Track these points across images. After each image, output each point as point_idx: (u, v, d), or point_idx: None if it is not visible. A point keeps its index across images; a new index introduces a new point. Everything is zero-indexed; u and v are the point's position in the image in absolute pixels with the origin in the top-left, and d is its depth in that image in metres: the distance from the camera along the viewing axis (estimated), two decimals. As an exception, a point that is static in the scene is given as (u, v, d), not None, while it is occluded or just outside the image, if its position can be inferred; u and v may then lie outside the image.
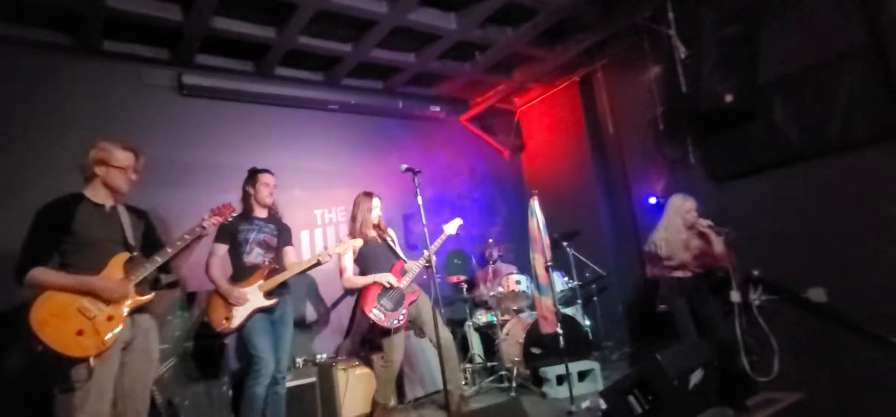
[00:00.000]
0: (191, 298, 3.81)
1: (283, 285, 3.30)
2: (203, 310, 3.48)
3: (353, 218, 3.78)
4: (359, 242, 3.62)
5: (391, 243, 3.84)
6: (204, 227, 2.65)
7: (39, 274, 2.28)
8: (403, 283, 3.64)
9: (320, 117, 5.16)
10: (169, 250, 2.54)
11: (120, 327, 2.35)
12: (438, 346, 3.17)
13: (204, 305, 3.58)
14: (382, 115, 5.56)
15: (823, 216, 3.88)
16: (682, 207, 3.93)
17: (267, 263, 3.27)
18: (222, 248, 3.25)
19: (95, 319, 2.29)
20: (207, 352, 3.67)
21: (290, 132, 4.96)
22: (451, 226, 3.88)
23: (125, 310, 2.40)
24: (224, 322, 3.09)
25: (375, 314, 3.52)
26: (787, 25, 3.96)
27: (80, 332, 2.25)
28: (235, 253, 3.26)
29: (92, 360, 2.25)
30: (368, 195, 3.82)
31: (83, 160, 2.48)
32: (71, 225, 2.36)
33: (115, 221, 2.52)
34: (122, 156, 2.50)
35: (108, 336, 2.31)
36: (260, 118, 4.81)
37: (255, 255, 3.25)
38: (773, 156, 4.07)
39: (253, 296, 3.16)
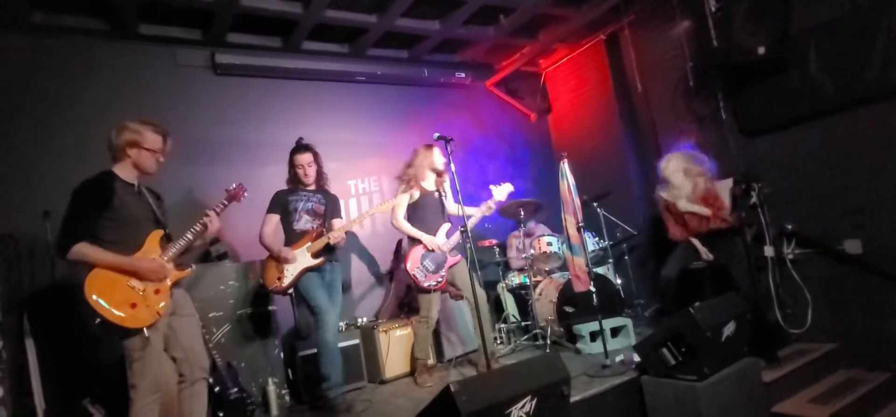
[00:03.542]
0: (242, 267, 4.00)
1: (331, 252, 3.50)
2: (259, 276, 3.71)
3: (409, 165, 3.92)
4: (402, 199, 3.75)
5: (444, 199, 3.96)
6: (208, 215, 2.68)
7: (84, 248, 2.33)
8: (447, 247, 3.81)
9: (348, 89, 5.24)
10: (197, 227, 2.63)
11: (167, 299, 2.47)
12: (476, 304, 3.34)
13: (258, 272, 3.77)
14: (409, 85, 5.60)
15: (859, 167, 3.82)
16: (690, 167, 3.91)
17: (315, 229, 3.50)
18: (274, 218, 3.51)
19: (145, 292, 2.41)
20: (259, 318, 3.89)
21: (320, 106, 5.07)
22: (501, 191, 3.96)
23: (169, 284, 2.51)
24: (277, 281, 3.36)
25: (418, 273, 3.74)
26: (822, -29, 3.86)
27: (133, 305, 2.36)
28: (287, 222, 3.52)
29: (146, 330, 2.37)
30: (429, 147, 3.93)
31: (113, 140, 2.53)
32: (112, 201, 2.43)
33: (144, 200, 2.61)
34: (153, 139, 2.57)
35: (160, 305, 2.43)
36: (291, 93, 4.92)
37: (303, 222, 3.51)
38: (808, 108, 4.00)
39: (301, 257, 3.40)
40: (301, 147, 3.62)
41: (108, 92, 4.10)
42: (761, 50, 3.82)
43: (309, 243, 3.44)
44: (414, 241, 3.82)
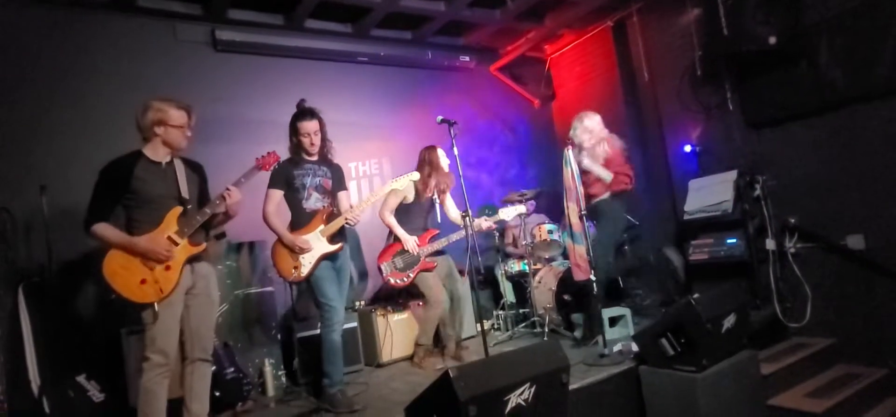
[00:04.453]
0: (238, 247, 3.97)
1: (341, 232, 3.25)
2: (270, 263, 3.41)
3: (430, 176, 3.78)
4: (416, 176, 3.62)
5: (436, 204, 3.94)
6: (228, 190, 2.66)
7: (100, 229, 2.50)
8: (423, 252, 3.78)
9: (350, 70, 5.18)
10: (216, 202, 2.66)
11: (177, 276, 2.54)
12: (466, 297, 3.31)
13: (258, 252, 3.71)
14: (412, 67, 5.54)
15: (866, 163, 3.79)
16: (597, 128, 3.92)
17: (325, 208, 3.22)
18: (278, 194, 3.17)
19: (155, 270, 2.51)
20: (257, 299, 3.87)
21: (321, 85, 4.99)
22: (509, 213, 4.05)
23: (180, 260, 2.56)
24: (293, 271, 3.09)
25: (384, 267, 3.77)
26: (835, -38, 3.79)
27: (143, 281, 2.48)
28: (294, 200, 3.19)
29: (156, 305, 2.48)
30: (434, 148, 3.88)
31: (140, 121, 2.60)
32: (130, 182, 2.53)
33: (170, 177, 2.65)
34: (178, 115, 2.63)
35: (168, 281, 2.51)
36: (292, 72, 4.85)
37: (313, 201, 3.19)
38: (817, 101, 3.96)
39: (316, 243, 3.13)
40: (306, 111, 3.20)
41: (107, 66, 4.04)
42: (772, 40, 3.77)
43: (321, 225, 3.14)
44: (395, 238, 3.81)
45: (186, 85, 4.32)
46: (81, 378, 3.08)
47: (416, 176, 3.58)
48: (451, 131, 3.34)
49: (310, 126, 3.17)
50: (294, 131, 3.21)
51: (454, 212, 4.01)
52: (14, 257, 3.37)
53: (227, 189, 2.67)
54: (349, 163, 5.06)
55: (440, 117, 3.34)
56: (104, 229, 2.50)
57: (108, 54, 4.08)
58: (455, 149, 3.34)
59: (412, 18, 5.14)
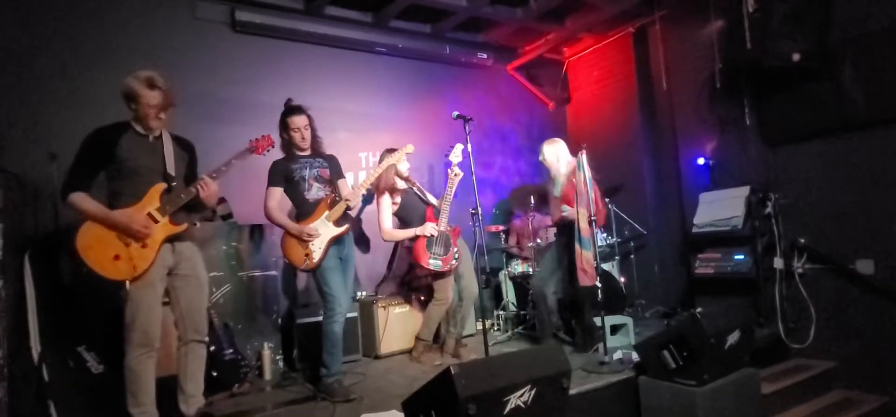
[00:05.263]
0: (251, 231, 3.98)
1: (346, 216, 3.28)
2: (281, 254, 3.39)
3: (378, 177, 3.66)
4: (410, 148, 3.65)
5: (419, 192, 3.95)
6: (204, 179, 2.59)
7: (77, 199, 2.40)
8: (442, 225, 3.79)
9: (367, 60, 5.16)
10: (191, 189, 2.55)
11: (153, 256, 2.44)
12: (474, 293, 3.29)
13: (279, 247, 3.67)
14: (429, 60, 5.51)
15: (881, 187, 3.74)
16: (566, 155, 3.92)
17: (328, 195, 3.28)
18: (278, 191, 3.25)
19: (131, 246, 2.42)
20: (260, 282, 3.88)
21: (337, 73, 5.00)
22: (455, 153, 3.86)
23: (158, 239, 2.47)
24: (306, 259, 3.12)
25: (434, 264, 3.71)
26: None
27: (116, 257, 2.39)
28: (296, 193, 3.25)
29: (128, 284, 2.40)
30: (389, 151, 3.75)
31: (121, 91, 2.50)
32: (115, 152, 2.44)
33: (157, 151, 2.57)
34: (150, 95, 2.46)
35: (144, 260, 2.42)
36: (309, 58, 4.85)
37: (315, 190, 3.25)
38: (836, 122, 3.89)
39: (323, 228, 3.17)
40: (294, 109, 3.27)
41: (123, 39, 4.04)
42: (796, 56, 3.70)
43: (326, 211, 3.20)
44: (413, 239, 3.81)
45: (202, 63, 4.34)
46: (81, 349, 3.07)
47: (411, 148, 3.65)
48: (466, 127, 3.33)
49: (299, 120, 3.23)
50: (284, 128, 3.27)
51: (432, 199, 3.99)
52: (22, 223, 3.39)
53: (202, 179, 2.58)
54: (360, 152, 5.05)
55: (456, 113, 3.33)
56: (81, 199, 2.40)
57: (123, 27, 4.07)
58: (469, 146, 3.32)
59: (433, 11, 5.11)
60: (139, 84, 2.46)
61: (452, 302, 3.86)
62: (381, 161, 3.75)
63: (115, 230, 2.40)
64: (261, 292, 3.86)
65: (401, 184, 3.90)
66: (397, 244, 4.84)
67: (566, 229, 3.86)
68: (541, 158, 4.07)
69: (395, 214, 3.91)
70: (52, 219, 3.32)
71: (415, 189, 3.96)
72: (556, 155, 3.98)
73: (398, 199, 3.88)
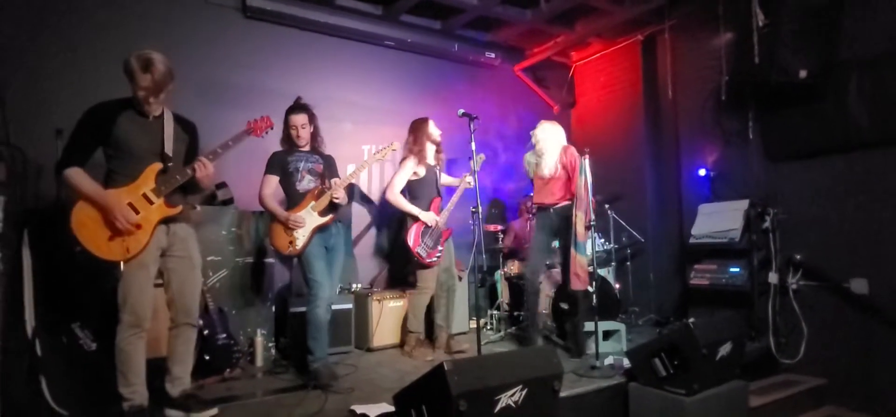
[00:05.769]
0: (241, 214, 3.98)
1: (335, 211, 3.40)
2: (265, 236, 3.67)
3: (415, 141, 3.91)
4: (396, 145, 3.76)
5: (438, 175, 4.05)
6: (201, 161, 2.58)
7: (72, 174, 2.36)
8: (441, 221, 3.90)
9: (375, 53, 5.17)
10: (187, 170, 2.53)
11: (147, 238, 2.43)
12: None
13: (259, 224, 3.75)
14: (436, 56, 5.52)
15: (880, 208, 3.75)
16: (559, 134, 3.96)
17: (316, 187, 3.40)
18: (274, 180, 3.39)
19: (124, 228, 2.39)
20: (256, 269, 3.89)
21: (345, 65, 5.01)
22: (476, 162, 3.90)
23: (153, 220, 2.46)
24: (289, 246, 3.26)
25: (420, 251, 3.83)
26: (876, 3, 3.73)
27: (111, 237, 2.38)
28: (288, 183, 3.39)
29: (122, 265, 2.40)
30: (425, 120, 3.95)
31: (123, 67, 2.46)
32: (112, 130, 2.41)
33: (156, 131, 2.53)
34: (142, 78, 2.41)
35: (137, 241, 2.41)
36: (318, 48, 4.85)
37: (306, 182, 3.39)
38: (839, 140, 3.91)
39: (308, 217, 3.31)
40: (296, 107, 3.45)
41: (132, 19, 4.04)
42: (803, 73, 3.72)
43: (313, 201, 3.33)
44: (412, 218, 3.87)
45: (212, 47, 4.34)
46: (76, 326, 3.06)
47: (397, 145, 3.75)
48: (471, 125, 3.35)
49: (297, 119, 3.39)
50: (286, 123, 3.44)
51: (445, 177, 4.17)
52: (23, 196, 3.39)
53: (201, 160, 2.56)
54: (363, 144, 5.05)
55: (462, 111, 3.34)
56: (76, 175, 2.36)
57: (133, 8, 4.08)
58: (473, 144, 3.34)
59: (444, 8, 5.11)
60: (135, 63, 2.42)
61: (432, 292, 3.96)
62: (418, 130, 3.94)
63: (102, 211, 2.37)
64: (257, 278, 3.87)
65: (430, 160, 3.97)
66: (398, 234, 4.88)
67: (551, 217, 3.92)
68: (533, 132, 4.11)
69: (409, 185, 3.95)
70: (54, 196, 3.33)
71: (437, 169, 4.05)
72: (551, 133, 4.01)
73: (422, 172, 3.92)
